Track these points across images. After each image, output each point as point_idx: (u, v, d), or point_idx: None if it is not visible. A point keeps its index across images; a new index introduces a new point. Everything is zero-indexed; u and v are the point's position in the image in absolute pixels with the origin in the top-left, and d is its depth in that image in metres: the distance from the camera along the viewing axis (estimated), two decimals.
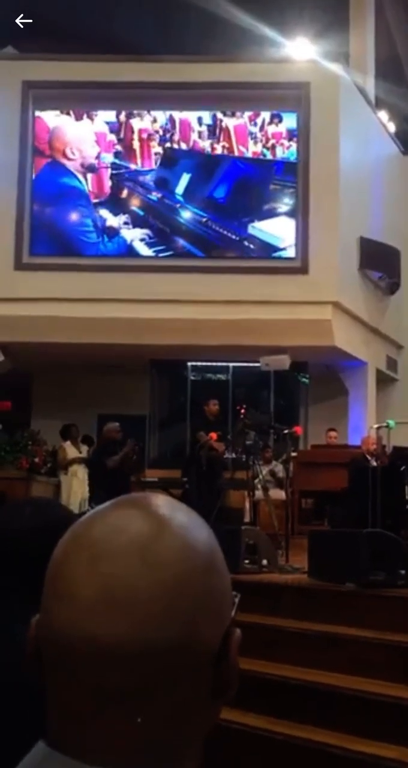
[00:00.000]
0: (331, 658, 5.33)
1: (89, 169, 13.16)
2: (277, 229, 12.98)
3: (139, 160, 13.21)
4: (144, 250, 13.05)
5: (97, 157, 13.18)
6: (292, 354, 12.78)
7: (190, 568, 0.72)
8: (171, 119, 13.18)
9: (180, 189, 13.12)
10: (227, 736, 4.60)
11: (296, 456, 11.44)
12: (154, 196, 13.19)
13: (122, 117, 13.18)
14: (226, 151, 13.15)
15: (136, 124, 13.20)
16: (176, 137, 13.18)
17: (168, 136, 13.19)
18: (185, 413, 14.22)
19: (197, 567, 0.72)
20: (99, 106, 13.17)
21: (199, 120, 13.19)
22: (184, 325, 12.35)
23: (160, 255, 13.02)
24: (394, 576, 5.84)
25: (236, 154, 13.15)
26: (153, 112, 13.20)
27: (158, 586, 0.69)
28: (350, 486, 9.48)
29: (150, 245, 13.05)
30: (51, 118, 13.13)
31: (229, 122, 13.15)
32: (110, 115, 13.20)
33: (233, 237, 13.03)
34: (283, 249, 12.95)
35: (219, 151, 13.16)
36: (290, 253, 12.86)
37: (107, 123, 13.21)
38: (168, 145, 13.19)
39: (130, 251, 13.02)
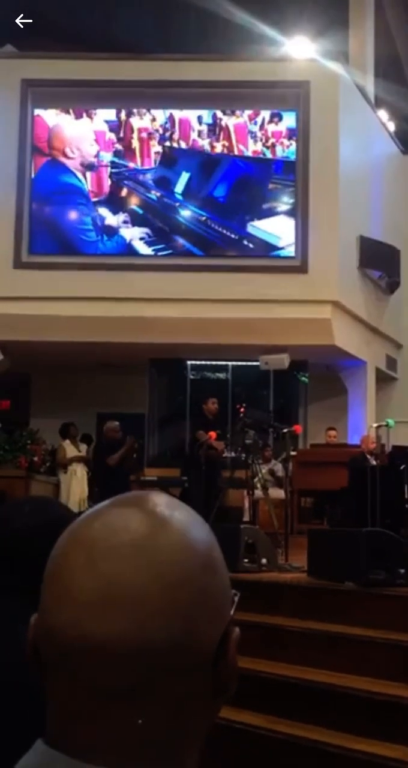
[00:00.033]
0: (331, 657, 5.33)
1: (89, 167, 13.16)
2: (277, 228, 12.98)
3: (138, 159, 13.20)
4: (143, 249, 13.04)
5: (96, 155, 13.18)
6: (291, 353, 12.78)
7: (188, 567, 0.71)
8: (171, 118, 13.17)
9: (179, 188, 13.12)
10: (227, 735, 4.60)
11: (296, 455, 11.44)
12: (154, 194, 13.19)
13: (122, 116, 13.17)
14: (225, 150, 13.14)
15: (136, 122, 13.20)
16: (176, 136, 13.18)
17: (167, 134, 13.18)
18: (184, 412, 14.22)
19: (196, 566, 0.72)
20: (98, 104, 13.16)
21: (199, 119, 13.18)
22: (183, 324, 12.35)
23: (160, 254, 13.02)
24: (394, 575, 5.84)
25: (236, 153, 13.15)
26: (152, 111, 13.19)
27: (157, 584, 0.69)
28: (350, 485, 9.48)
29: (149, 244, 13.05)
30: (50, 116, 13.13)
31: (229, 121, 13.14)
32: (110, 114, 13.19)
33: (233, 236, 13.03)
34: (283, 248, 12.95)
35: (219, 150, 13.16)
36: (290, 252, 12.86)
37: (107, 122, 13.20)
38: (167, 144, 13.18)
39: (129, 250, 13.02)
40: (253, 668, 5.23)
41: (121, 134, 13.19)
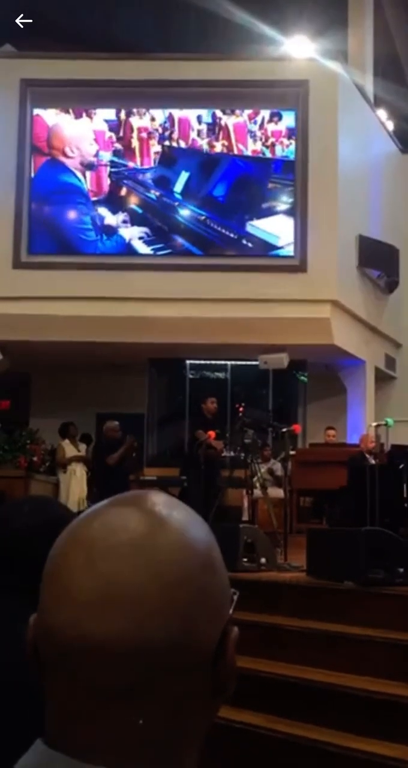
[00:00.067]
0: (330, 657, 5.33)
1: (88, 167, 13.15)
2: (276, 228, 12.98)
3: (138, 159, 13.20)
4: (142, 249, 13.04)
5: (96, 155, 13.17)
6: (290, 352, 12.78)
7: (187, 566, 0.71)
8: (170, 117, 13.17)
9: (178, 187, 13.12)
10: (227, 735, 4.61)
11: (295, 454, 11.46)
12: (153, 194, 13.19)
13: (122, 115, 13.17)
14: (225, 150, 13.14)
15: (136, 122, 13.19)
16: (175, 135, 13.17)
17: (167, 134, 13.18)
18: (184, 412, 14.22)
19: (195, 565, 0.72)
20: (98, 104, 13.15)
21: (199, 118, 13.18)
22: (182, 324, 12.35)
23: (159, 253, 13.01)
24: (393, 574, 5.84)
25: (235, 152, 13.14)
26: (152, 111, 13.18)
27: (155, 584, 0.69)
28: (349, 484, 9.49)
29: (148, 243, 13.05)
30: (50, 116, 13.12)
31: (229, 120, 13.14)
32: (109, 114, 13.19)
33: (232, 235, 13.03)
34: (282, 247, 12.95)
35: (218, 149, 13.15)
36: (289, 251, 12.85)
37: (106, 121, 13.20)
38: (167, 143, 13.17)
39: (128, 249, 13.01)
40: (253, 668, 5.23)
41: (121, 134, 13.19)
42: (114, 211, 13.08)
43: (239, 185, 13.09)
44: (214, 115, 13.14)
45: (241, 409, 9.96)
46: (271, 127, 13.12)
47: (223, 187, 13.12)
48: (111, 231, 13.04)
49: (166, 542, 0.71)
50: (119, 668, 0.68)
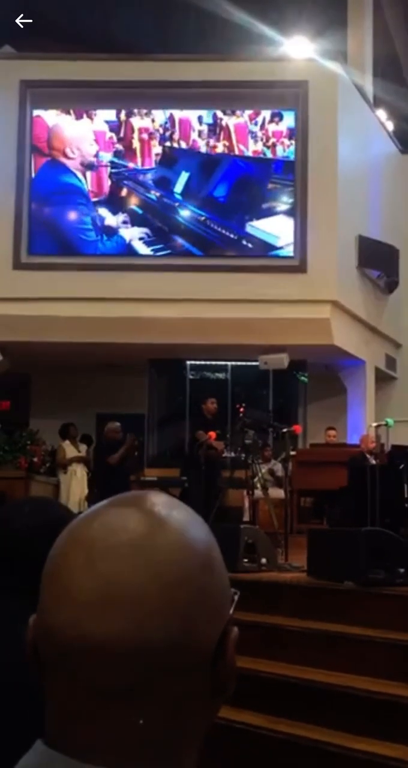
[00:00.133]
0: (331, 657, 5.33)
1: (89, 167, 13.15)
2: (276, 228, 12.98)
3: (139, 159, 13.20)
4: (143, 249, 13.04)
5: (96, 155, 13.17)
6: (290, 353, 12.78)
7: (187, 567, 0.71)
8: (171, 118, 13.17)
9: (179, 188, 13.12)
10: (227, 735, 4.61)
11: (295, 455, 11.45)
12: (153, 195, 13.19)
13: (122, 116, 13.17)
14: (226, 150, 13.14)
15: (137, 122, 13.19)
16: (176, 136, 13.17)
17: (168, 134, 13.18)
18: (184, 412, 14.22)
19: (194, 565, 0.72)
20: (98, 105, 13.15)
21: (200, 119, 13.18)
22: (182, 324, 12.35)
23: (159, 254, 13.01)
24: (393, 574, 5.84)
25: (236, 153, 13.14)
26: (152, 111, 13.18)
27: (155, 584, 0.69)
28: (349, 484, 9.49)
29: (149, 244, 13.05)
30: (50, 117, 13.12)
31: (230, 121, 13.14)
32: (110, 114, 13.19)
33: (232, 236, 13.03)
34: (282, 248, 12.95)
35: (219, 149, 13.15)
36: (289, 251, 12.85)
37: (107, 122, 13.20)
38: (168, 144, 13.17)
39: (128, 250, 13.01)
40: (253, 668, 5.23)
41: (122, 134, 13.19)
42: (114, 212, 13.08)
43: (240, 186, 13.09)
44: (214, 116, 13.15)
45: (241, 409, 9.96)
46: (271, 128, 13.12)
47: (224, 188, 13.12)
48: (111, 232, 13.04)
49: (165, 542, 0.71)
50: (119, 668, 0.68)
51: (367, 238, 13.61)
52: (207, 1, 13.64)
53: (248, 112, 13.13)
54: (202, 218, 13.05)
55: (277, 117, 13.13)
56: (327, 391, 14.17)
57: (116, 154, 13.18)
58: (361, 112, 13.88)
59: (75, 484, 11.65)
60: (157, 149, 13.17)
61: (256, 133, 13.13)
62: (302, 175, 12.85)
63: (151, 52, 13.42)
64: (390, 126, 15.56)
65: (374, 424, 10.63)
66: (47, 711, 0.72)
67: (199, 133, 13.18)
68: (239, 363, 14.23)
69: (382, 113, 15.25)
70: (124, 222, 13.05)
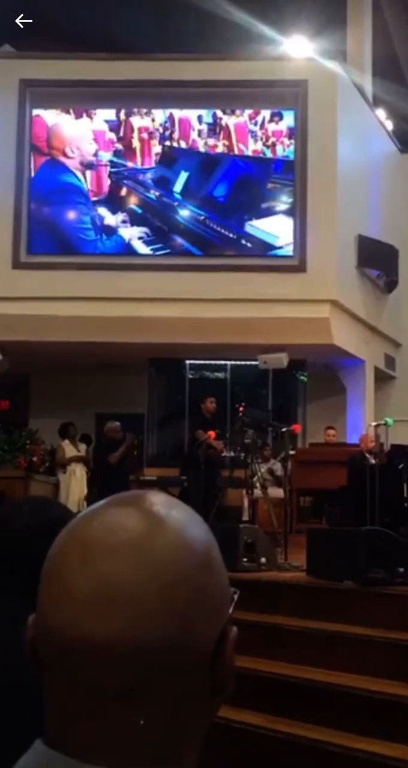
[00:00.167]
0: (330, 656, 5.33)
1: (88, 166, 13.15)
2: (275, 228, 12.97)
3: (139, 159, 13.20)
4: (142, 249, 13.04)
5: (95, 155, 13.17)
6: (290, 352, 12.78)
7: (185, 566, 0.71)
8: (170, 117, 13.16)
9: (178, 187, 13.11)
10: (227, 735, 4.61)
11: (294, 454, 11.46)
12: (153, 194, 13.19)
13: (122, 115, 13.16)
14: (226, 150, 13.13)
15: (137, 122, 13.19)
16: (176, 135, 13.17)
17: (167, 134, 13.18)
18: (184, 412, 14.22)
19: (193, 565, 0.72)
20: (98, 104, 13.15)
21: (199, 118, 13.17)
22: (182, 324, 12.35)
23: (158, 253, 13.01)
24: (393, 574, 5.84)
25: (236, 152, 13.14)
26: (152, 111, 13.17)
27: (153, 584, 0.69)
28: (348, 484, 9.49)
29: (148, 243, 13.04)
30: (50, 116, 13.12)
31: (229, 120, 13.13)
32: (109, 113, 13.18)
33: (231, 235, 13.02)
34: (281, 247, 12.95)
35: (219, 149, 13.15)
36: (288, 251, 12.85)
37: (107, 121, 13.19)
38: (167, 143, 13.17)
39: (128, 249, 13.01)
40: (253, 667, 5.23)
41: (121, 134, 13.19)
42: (114, 211, 13.08)
43: (239, 185, 13.09)
44: (214, 115, 13.14)
45: (241, 409, 9.96)
46: (271, 127, 13.12)
47: (224, 187, 13.12)
48: (110, 231, 13.04)
49: (164, 542, 0.71)
50: (119, 668, 0.68)
51: (367, 238, 13.61)
52: (207, 1, 13.64)
53: (248, 111, 13.12)
54: (202, 218, 13.05)
55: (276, 116, 13.13)
56: (326, 391, 14.17)
57: (116, 153, 13.18)
58: (361, 111, 13.88)
59: (74, 484, 11.65)
60: (156, 149, 13.17)
61: (256, 133, 13.13)
62: (302, 175, 12.85)
63: (151, 51, 13.42)
64: (389, 125, 15.56)
65: (374, 424, 10.61)
66: (46, 711, 0.72)
67: (199, 133, 13.18)
68: (239, 362, 14.23)
69: (381, 112, 15.25)
70: (124, 221, 13.05)
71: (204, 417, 10.99)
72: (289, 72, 13.13)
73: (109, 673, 0.68)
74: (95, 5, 15.43)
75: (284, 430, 9.93)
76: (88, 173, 13.16)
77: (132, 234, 13.03)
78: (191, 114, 13.18)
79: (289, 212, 12.93)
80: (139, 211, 13.14)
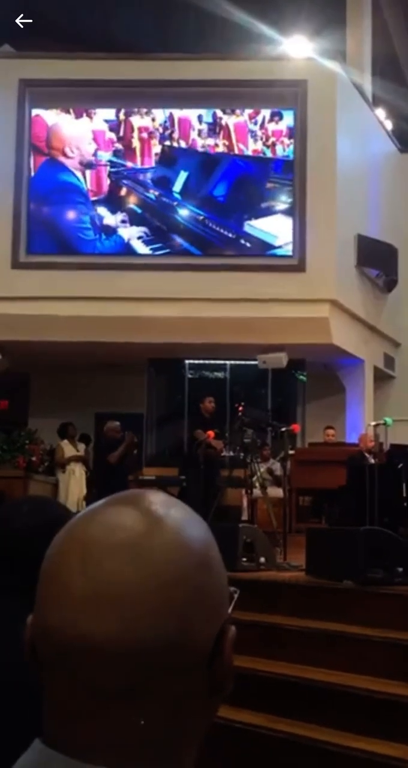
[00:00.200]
0: (330, 656, 5.34)
1: (88, 166, 13.15)
2: (274, 227, 12.97)
3: (138, 158, 13.19)
4: (141, 248, 13.04)
5: (95, 154, 13.17)
6: (289, 352, 12.78)
7: (183, 566, 0.71)
8: (170, 117, 13.16)
9: (177, 187, 13.11)
10: (227, 735, 4.61)
11: (294, 454, 11.46)
12: (152, 194, 13.18)
13: (121, 115, 13.16)
14: (226, 149, 13.13)
15: (136, 121, 13.18)
16: (176, 135, 13.16)
17: (167, 134, 13.17)
18: (183, 411, 14.23)
19: (191, 564, 0.72)
20: (97, 104, 13.14)
21: (199, 118, 13.17)
22: (181, 324, 12.35)
23: (158, 253, 13.01)
24: (392, 573, 5.84)
25: (236, 152, 13.13)
26: (152, 111, 13.17)
27: (152, 583, 0.69)
28: (348, 483, 9.49)
29: (147, 243, 13.04)
30: (49, 116, 13.12)
31: (229, 120, 13.13)
32: (109, 113, 13.18)
33: (230, 235, 13.02)
34: (280, 247, 12.94)
35: (219, 149, 13.14)
36: (287, 251, 12.85)
37: (106, 121, 13.19)
38: (167, 143, 13.17)
39: (127, 249, 13.01)
40: (252, 667, 5.23)
41: (121, 133, 13.18)
42: (113, 211, 13.08)
43: (239, 185, 13.09)
44: (214, 115, 13.14)
45: (240, 408, 9.96)
46: (271, 127, 13.12)
47: (224, 187, 13.12)
48: (110, 231, 13.03)
49: (162, 541, 0.71)
50: (118, 668, 0.68)
51: (366, 237, 13.61)
52: (207, 1, 13.64)
53: (248, 111, 13.12)
54: (201, 217, 13.04)
55: (276, 116, 13.12)
56: (326, 390, 14.17)
57: (115, 153, 13.18)
58: (360, 111, 13.88)
59: (73, 484, 11.65)
60: (156, 148, 13.17)
61: (256, 132, 13.13)
62: (301, 175, 12.85)
63: (151, 51, 13.42)
64: (389, 125, 15.57)
65: (373, 423, 10.61)
66: (46, 710, 0.72)
67: (199, 133, 13.17)
68: (238, 362, 14.23)
69: (380, 112, 15.26)
70: (123, 221, 13.05)
71: (203, 417, 10.99)
72: (289, 72, 13.13)
73: (108, 673, 0.68)
74: (95, 5, 15.43)
75: (283, 429, 9.93)
76: (88, 173, 13.15)
77: (131, 234, 13.03)
78: (191, 114, 13.18)
79: (288, 212, 12.93)
80: (139, 210, 13.13)
